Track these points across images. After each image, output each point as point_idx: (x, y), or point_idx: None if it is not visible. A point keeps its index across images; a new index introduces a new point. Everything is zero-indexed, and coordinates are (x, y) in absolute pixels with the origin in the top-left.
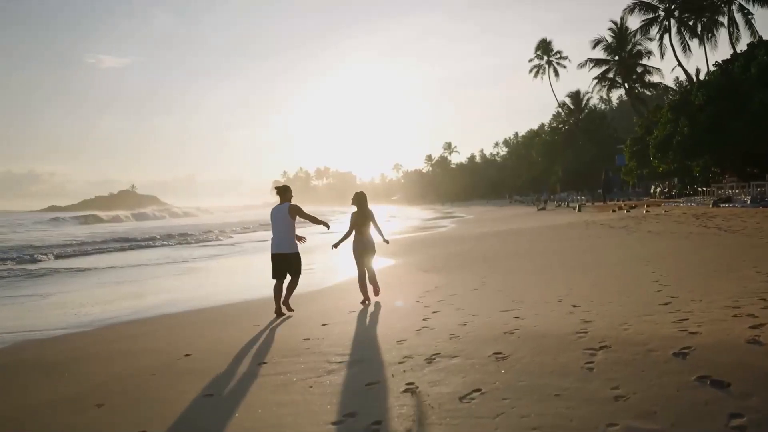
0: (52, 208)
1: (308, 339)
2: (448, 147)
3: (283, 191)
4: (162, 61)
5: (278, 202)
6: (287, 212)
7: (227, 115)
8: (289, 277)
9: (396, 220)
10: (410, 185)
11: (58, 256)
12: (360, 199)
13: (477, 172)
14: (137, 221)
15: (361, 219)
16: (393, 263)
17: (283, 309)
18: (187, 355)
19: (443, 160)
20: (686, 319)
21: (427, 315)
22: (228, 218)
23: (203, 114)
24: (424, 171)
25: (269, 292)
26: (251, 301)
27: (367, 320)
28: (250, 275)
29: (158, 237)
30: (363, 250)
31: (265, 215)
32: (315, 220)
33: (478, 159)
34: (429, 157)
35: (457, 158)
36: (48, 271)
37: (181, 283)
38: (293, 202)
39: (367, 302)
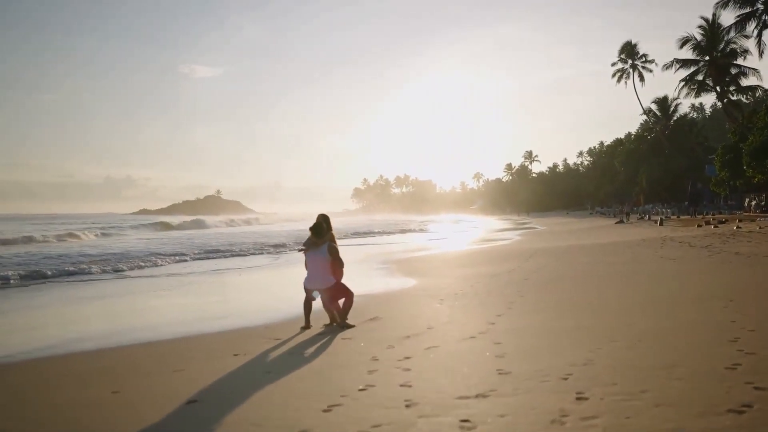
0: (143, 212)
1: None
2: (529, 156)
3: (322, 231)
4: (251, 71)
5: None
6: (326, 253)
7: (313, 123)
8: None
9: (463, 231)
10: (489, 194)
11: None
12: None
13: (558, 182)
14: (199, 229)
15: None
16: (409, 285)
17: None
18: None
19: (523, 169)
20: None
21: (367, 380)
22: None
23: (290, 122)
24: (504, 180)
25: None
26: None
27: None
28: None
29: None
30: None
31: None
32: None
33: (560, 168)
34: (509, 166)
35: (538, 167)
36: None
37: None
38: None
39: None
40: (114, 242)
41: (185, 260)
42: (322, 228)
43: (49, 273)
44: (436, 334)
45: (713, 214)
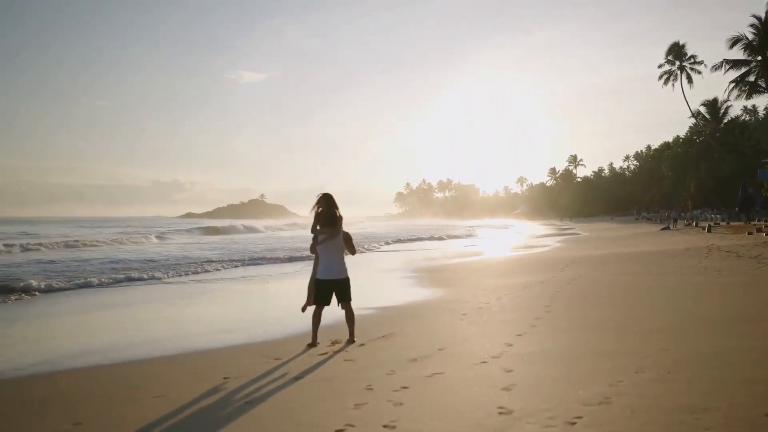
0: (189, 215)
1: None
2: (574, 160)
3: (335, 220)
4: (295, 76)
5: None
6: (342, 240)
7: (356, 127)
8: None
9: (503, 237)
10: (533, 199)
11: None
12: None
13: (603, 187)
14: (243, 234)
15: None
16: (434, 297)
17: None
18: None
19: (567, 174)
20: None
21: (349, 417)
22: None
23: (334, 126)
24: (547, 184)
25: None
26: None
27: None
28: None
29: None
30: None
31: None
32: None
33: (606, 172)
34: (553, 171)
35: (583, 172)
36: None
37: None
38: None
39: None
40: (155, 247)
41: (219, 268)
42: (335, 217)
43: (96, 282)
44: (445, 357)
45: (765, 221)
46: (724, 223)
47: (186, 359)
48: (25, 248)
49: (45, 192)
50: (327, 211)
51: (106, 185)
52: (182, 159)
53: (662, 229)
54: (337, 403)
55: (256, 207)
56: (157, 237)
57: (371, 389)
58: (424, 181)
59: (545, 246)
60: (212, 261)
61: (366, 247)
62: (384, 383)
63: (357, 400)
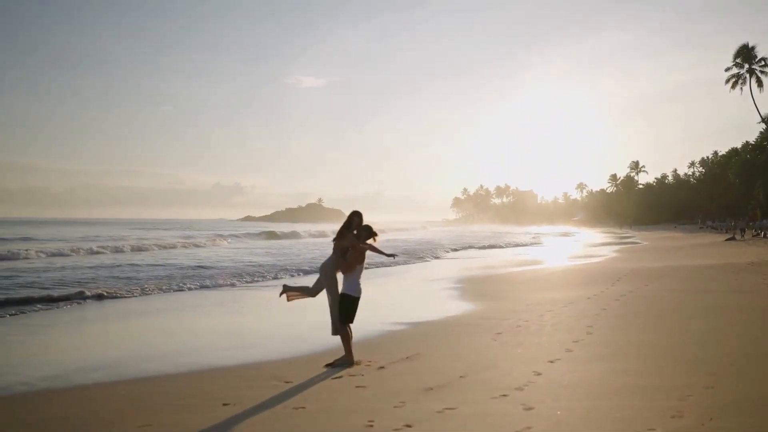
0: (248, 218)
1: None
2: (635, 166)
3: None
4: (354, 81)
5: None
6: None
7: (414, 133)
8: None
9: (558, 245)
10: (592, 206)
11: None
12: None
13: (666, 194)
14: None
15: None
16: (472, 312)
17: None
18: None
19: (629, 180)
20: None
21: None
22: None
23: (392, 131)
24: (608, 191)
25: None
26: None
27: None
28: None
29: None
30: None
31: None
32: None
33: (670, 179)
34: (613, 177)
35: (645, 178)
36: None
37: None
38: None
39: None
40: (209, 252)
41: (265, 275)
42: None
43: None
44: (464, 386)
45: None
46: None
47: (187, 380)
48: (113, 250)
49: (109, 195)
50: (364, 224)
51: (169, 189)
52: (242, 163)
53: (727, 240)
54: None
55: (313, 211)
56: (228, 239)
57: (371, 425)
58: (481, 186)
59: (601, 256)
60: (272, 267)
61: (420, 256)
62: (387, 418)
63: None
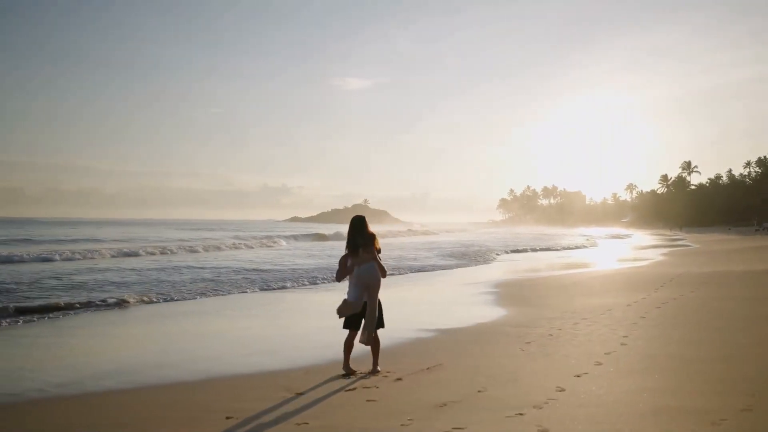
0: (294, 219)
1: None
2: (687, 167)
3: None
4: (400, 82)
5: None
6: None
7: (460, 134)
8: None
9: (603, 248)
10: (642, 207)
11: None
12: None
13: (720, 195)
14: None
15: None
16: (503, 318)
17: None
18: None
19: (680, 181)
20: None
21: None
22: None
23: (438, 132)
24: (658, 192)
25: None
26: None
27: None
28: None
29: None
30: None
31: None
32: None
33: (724, 179)
34: (664, 178)
35: (698, 179)
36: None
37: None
38: None
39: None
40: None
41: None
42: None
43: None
44: (479, 402)
45: None
46: None
47: (199, 389)
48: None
49: (165, 196)
50: (369, 232)
51: (220, 190)
52: (289, 164)
53: None
54: None
55: (359, 211)
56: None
57: None
58: (528, 187)
59: (647, 259)
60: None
61: (461, 258)
62: None
63: None
